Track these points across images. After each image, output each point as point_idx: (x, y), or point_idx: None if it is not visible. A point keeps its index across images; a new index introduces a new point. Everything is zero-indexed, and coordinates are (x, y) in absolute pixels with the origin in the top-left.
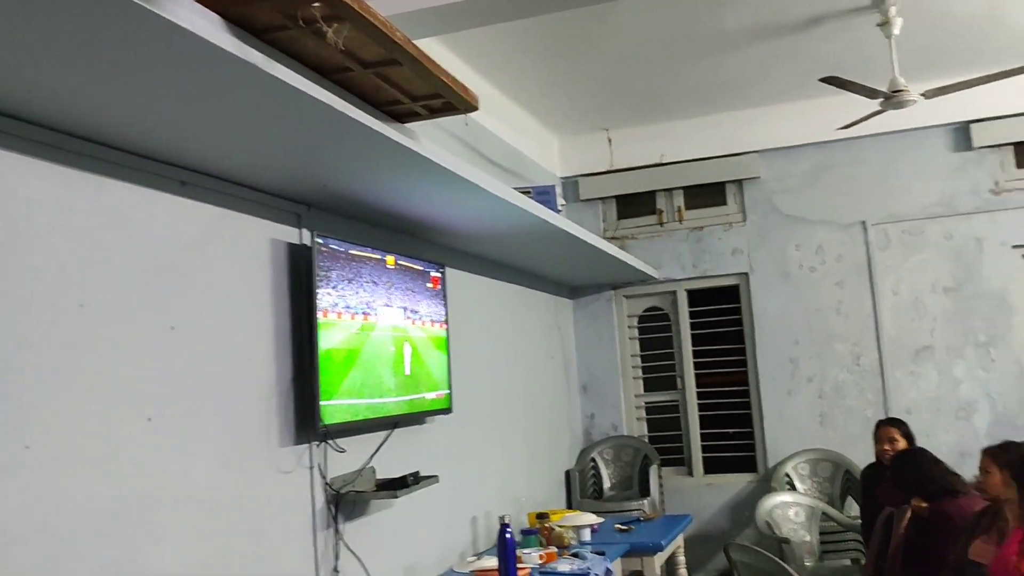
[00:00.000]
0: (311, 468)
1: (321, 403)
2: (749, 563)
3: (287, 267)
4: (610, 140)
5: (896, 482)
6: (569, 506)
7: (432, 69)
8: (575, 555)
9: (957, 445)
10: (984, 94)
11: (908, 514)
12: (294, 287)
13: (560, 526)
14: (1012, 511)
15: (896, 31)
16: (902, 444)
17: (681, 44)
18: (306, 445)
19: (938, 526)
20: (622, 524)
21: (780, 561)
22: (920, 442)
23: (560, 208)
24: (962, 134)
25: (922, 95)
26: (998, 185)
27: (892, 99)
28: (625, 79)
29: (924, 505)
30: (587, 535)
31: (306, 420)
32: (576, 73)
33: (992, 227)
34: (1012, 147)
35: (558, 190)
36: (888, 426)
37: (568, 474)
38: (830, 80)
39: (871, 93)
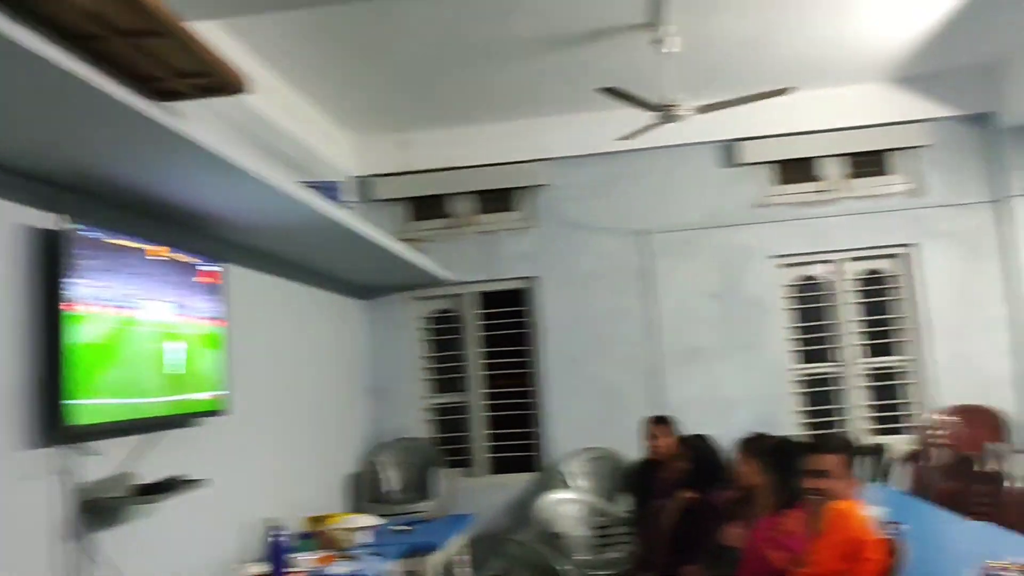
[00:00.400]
0: (57, 474)
1: (69, 402)
2: (523, 558)
3: (36, 254)
4: (405, 142)
5: (696, 463)
6: (354, 510)
7: (193, 44)
8: (351, 557)
9: (722, 440)
10: (749, 114)
11: (676, 505)
12: (44, 276)
13: (337, 529)
14: (762, 499)
15: (672, 49)
16: (669, 440)
17: (474, 49)
18: (52, 448)
19: (704, 515)
20: (402, 525)
21: (548, 555)
22: None
23: (351, 207)
24: (730, 151)
25: (694, 110)
26: (760, 200)
27: (667, 113)
28: (421, 81)
29: (691, 496)
30: (365, 537)
31: (53, 421)
32: (372, 73)
33: (755, 239)
34: (773, 165)
35: (346, 187)
36: (656, 423)
37: (353, 477)
38: (609, 91)
39: (647, 106)
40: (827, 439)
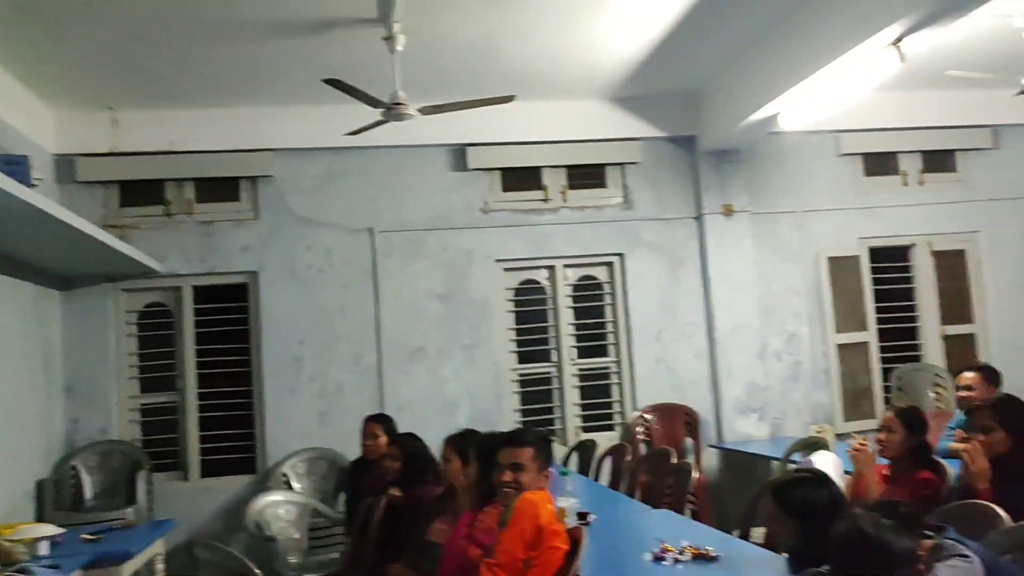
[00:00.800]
0: None
1: None
2: (216, 562)
3: None
4: (116, 121)
5: (406, 461)
6: (44, 519)
7: None
8: (22, 571)
9: (441, 438)
10: (479, 121)
11: (384, 503)
12: None
13: (9, 540)
14: (465, 496)
15: (399, 47)
16: (384, 439)
17: (193, 27)
18: None
19: (411, 512)
20: (91, 534)
21: (244, 560)
22: None
23: (35, 183)
24: (460, 155)
25: (419, 111)
26: (486, 205)
27: (392, 111)
28: (133, 55)
29: (399, 493)
30: (44, 548)
31: None
32: (76, 43)
33: (480, 242)
34: (499, 171)
35: (40, 164)
36: (373, 422)
37: (44, 484)
38: (333, 83)
39: (373, 102)
40: (521, 433)
